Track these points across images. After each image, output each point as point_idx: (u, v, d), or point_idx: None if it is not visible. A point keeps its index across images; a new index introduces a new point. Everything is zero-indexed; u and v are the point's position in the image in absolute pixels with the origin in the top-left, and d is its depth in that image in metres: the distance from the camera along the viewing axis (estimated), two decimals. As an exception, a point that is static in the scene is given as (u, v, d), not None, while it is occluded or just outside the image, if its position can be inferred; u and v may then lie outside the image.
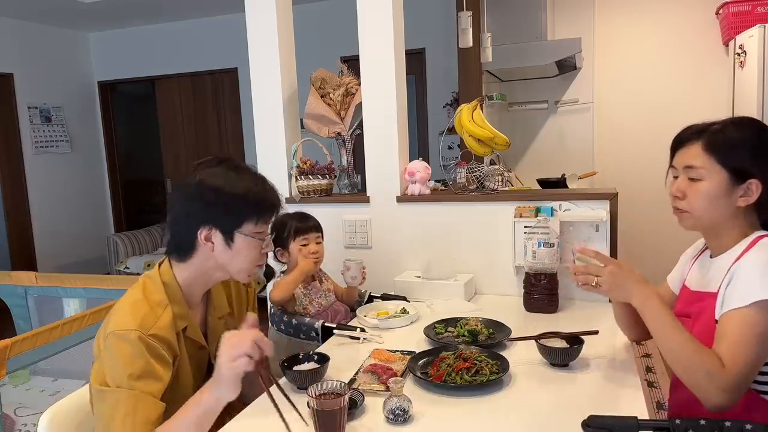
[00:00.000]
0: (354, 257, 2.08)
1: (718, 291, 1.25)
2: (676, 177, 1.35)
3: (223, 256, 1.31)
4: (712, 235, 1.35)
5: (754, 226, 1.30)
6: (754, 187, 1.25)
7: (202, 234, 1.29)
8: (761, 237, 1.26)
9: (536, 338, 1.55)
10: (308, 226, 2.02)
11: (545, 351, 1.49)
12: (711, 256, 1.36)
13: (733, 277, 1.22)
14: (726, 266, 1.26)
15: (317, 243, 2.03)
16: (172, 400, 1.27)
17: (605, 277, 1.33)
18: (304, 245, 2.00)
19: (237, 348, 1.11)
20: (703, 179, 1.28)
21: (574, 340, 1.51)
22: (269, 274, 1.94)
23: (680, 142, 1.34)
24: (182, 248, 1.32)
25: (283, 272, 2.05)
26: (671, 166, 1.37)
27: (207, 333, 1.42)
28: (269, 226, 1.38)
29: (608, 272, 1.33)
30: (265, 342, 1.14)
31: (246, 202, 1.29)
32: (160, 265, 1.37)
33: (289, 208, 2.20)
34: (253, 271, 1.37)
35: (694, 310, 1.33)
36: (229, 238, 1.30)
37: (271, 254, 1.86)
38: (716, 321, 1.23)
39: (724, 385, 1.13)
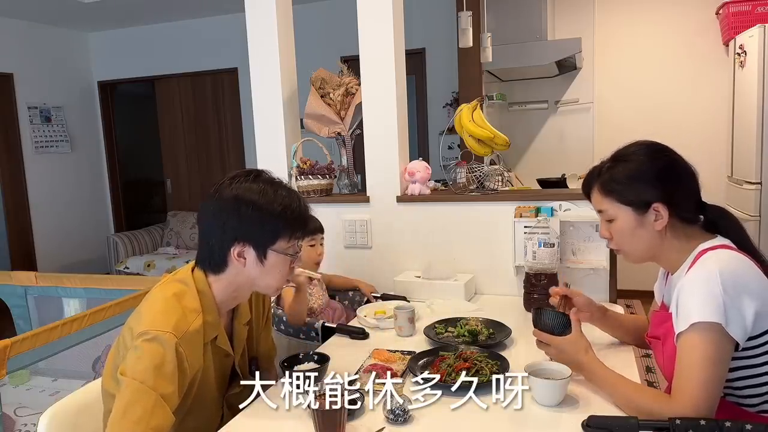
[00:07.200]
0: (405, 306, 1.86)
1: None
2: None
3: (254, 272, 1.30)
4: (658, 260, 1.35)
5: (693, 237, 1.28)
6: (661, 209, 1.25)
7: (234, 251, 1.28)
8: (703, 252, 1.24)
9: (535, 308, 1.50)
10: (316, 227, 2.06)
11: (539, 316, 1.45)
12: (671, 274, 1.36)
13: (678, 300, 1.20)
14: (677, 285, 1.24)
15: (321, 244, 2.09)
16: (192, 409, 1.27)
17: (553, 354, 1.39)
18: (312, 245, 2.05)
19: None
20: (614, 219, 1.32)
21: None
22: None
23: (586, 189, 1.39)
24: (214, 261, 1.31)
25: None
26: None
27: (232, 339, 1.42)
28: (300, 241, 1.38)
29: (554, 353, 1.39)
30: None
31: (282, 219, 1.28)
32: (192, 270, 1.34)
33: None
34: (281, 287, 1.39)
35: (662, 332, 1.32)
36: (262, 254, 1.29)
37: None
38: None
39: (679, 413, 1.10)
